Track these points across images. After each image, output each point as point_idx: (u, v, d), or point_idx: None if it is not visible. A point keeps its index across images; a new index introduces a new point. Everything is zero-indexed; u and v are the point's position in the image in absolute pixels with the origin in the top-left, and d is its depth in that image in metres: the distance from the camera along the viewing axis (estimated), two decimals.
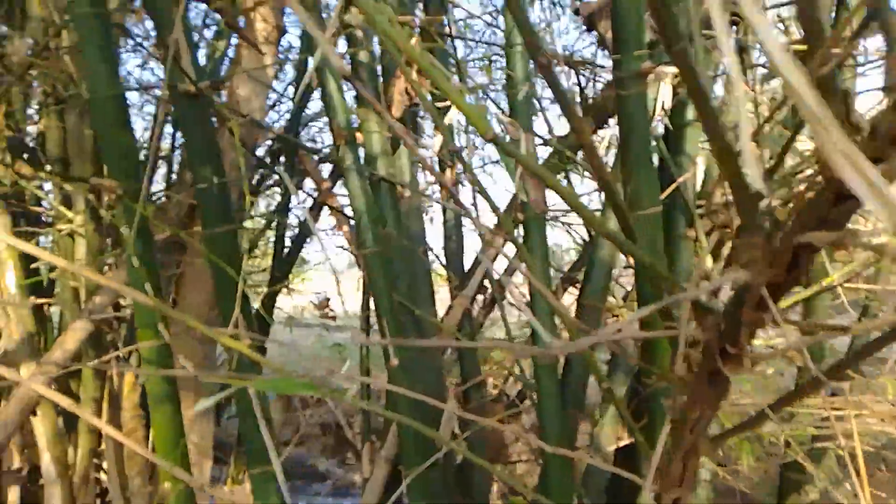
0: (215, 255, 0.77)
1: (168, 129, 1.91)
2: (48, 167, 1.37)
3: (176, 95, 0.76)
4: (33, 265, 1.45)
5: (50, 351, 1.13)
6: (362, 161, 1.02)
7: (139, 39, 1.41)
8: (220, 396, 0.31)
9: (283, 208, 1.88)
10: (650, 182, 0.67)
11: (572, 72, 1.05)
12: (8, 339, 1.29)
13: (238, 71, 1.62)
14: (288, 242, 1.86)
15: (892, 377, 1.05)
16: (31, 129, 1.61)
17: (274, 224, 1.95)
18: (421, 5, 1.28)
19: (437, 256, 1.21)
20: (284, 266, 1.79)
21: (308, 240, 1.85)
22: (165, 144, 1.96)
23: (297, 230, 1.89)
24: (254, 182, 1.88)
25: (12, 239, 1.11)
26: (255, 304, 1.87)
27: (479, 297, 1.28)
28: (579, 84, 1.03)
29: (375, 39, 1.07)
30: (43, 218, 1.58)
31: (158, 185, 1.99)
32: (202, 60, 2.06)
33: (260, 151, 1.84)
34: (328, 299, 1.14)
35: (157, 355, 0.77)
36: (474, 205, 1.18)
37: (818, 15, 0.25)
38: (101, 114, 0.73)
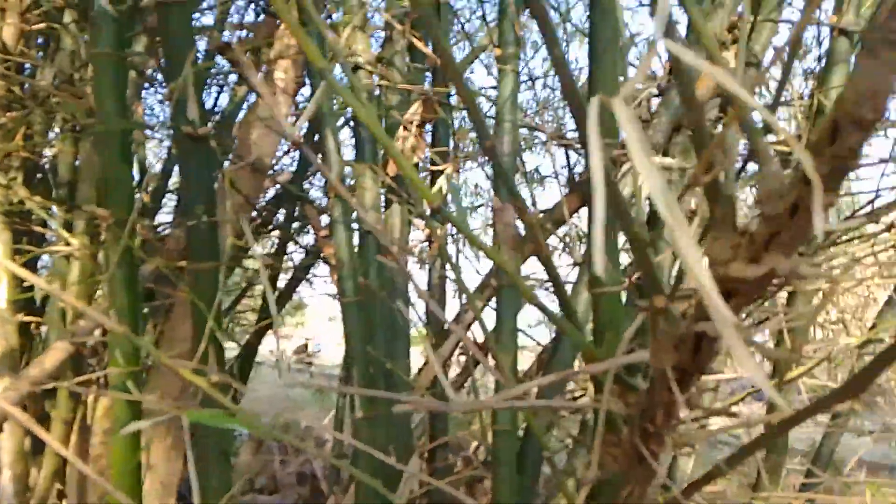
0: (197, 291, 0.80)
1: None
2: (55, 191, 1.42)
3: (178, 136, 0.81)
4: (28, 282, 1.49)
5: (27, 368, 1.14)
6: (353, 215, 1.06)
7: (157, 81, 1.48)
8: (147, 423, 0.33)
9: (280, 252, 1.91)
10: (613, 263, 0.70)
11: (563, 149, 1.10)
12: None
13: (252, 117, 1.69)
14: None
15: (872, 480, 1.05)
16: (49, 152, 1.68)
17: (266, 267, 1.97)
18: (430, 74, 1.34)
19: (418, 314, 1.23)
20: (267, 312, 1.81)
21: (300, 285, 1.88)
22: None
23: (290, 274, 1.92)
24: (253, 224, 1.92)
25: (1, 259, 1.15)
26: (237, 343, 1.88)
27: (462, 359, 1.30)
28: (568, 161, 1.07)
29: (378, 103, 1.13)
30: (48, 238, 1.62)
31: (168, 216, 2.04)
32: (224, 103, 2.15)
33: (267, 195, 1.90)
34: (306, 345, 1.16)
35: (125, 382, 0.78)
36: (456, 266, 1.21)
37: (704, 123, 0.28)
38: (106, 146, 0.77)
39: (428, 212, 1.11)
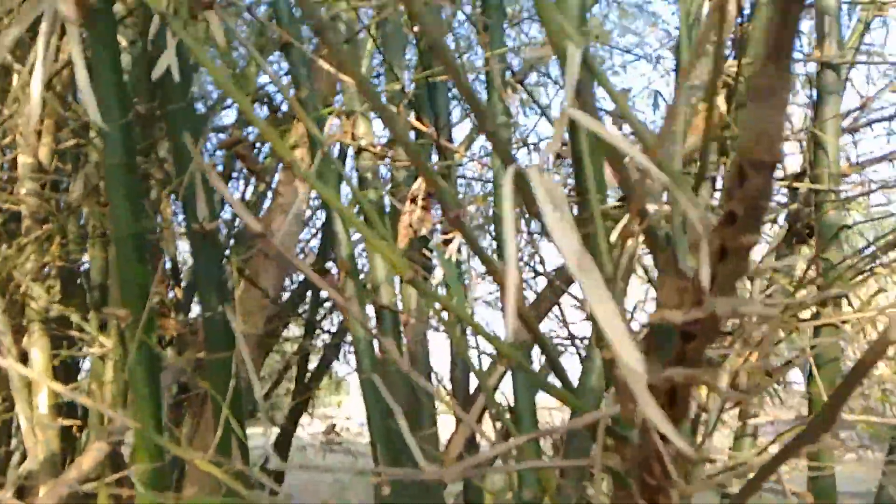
0: (214, 380, 0.82)
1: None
2: (88, 294, 1.48)
3: (189, 233, 0.85)
4: (70, 385, 1.53)
5: (65, 471, 1.17)
6: (368, 289, 1.08)
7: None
8: None
9: (310, 332, 1.94)
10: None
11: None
12: (32, 459, 1.34)
13: (274, 205, 1.76)
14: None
15: None
16: (86, 258, 1.76)
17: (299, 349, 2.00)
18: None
19: (441, 383, 1.23)
20: (305, 389, 1.83)
21: (331, 364, 1.90)
22: None
23: (321, 355, 1.94)
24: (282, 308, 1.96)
25: (35, 373, 1.19)
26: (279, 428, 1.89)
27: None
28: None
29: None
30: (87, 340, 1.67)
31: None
32: (248, 195, 2.25)
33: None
34: (334, 425, 1.16)
35: (151, 478, 0.80)
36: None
37: (630, 178, 0.30)
38: (121, 248, 0.81)
39: (440, 281, 1.13)
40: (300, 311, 2.16)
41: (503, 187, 0.25)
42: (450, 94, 1.67)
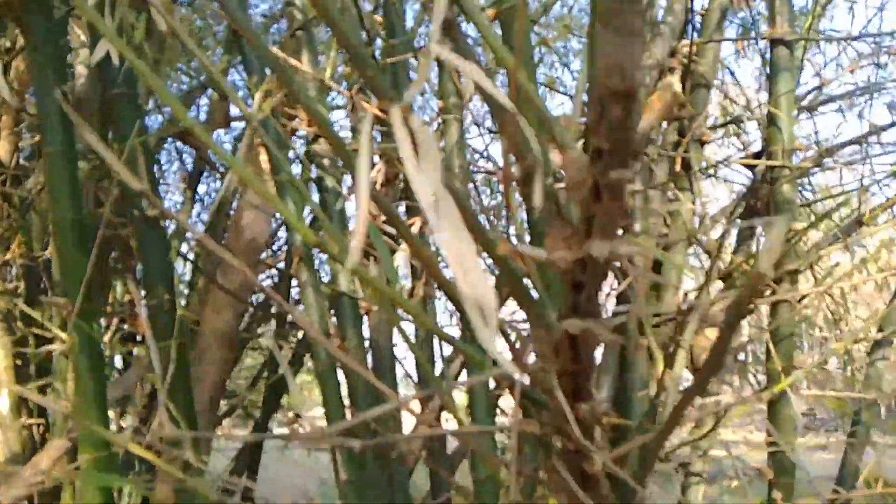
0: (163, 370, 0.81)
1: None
2: (50, 290, 1.46)
3: (135, 220, 0.83)
4: (33, 384, 1.51)
5: (21, 470, 1.14)
6: (326, 278, 1.07)
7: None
8: None
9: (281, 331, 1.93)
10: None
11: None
12: None
13: (243, 202, 1.74)
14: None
15: None
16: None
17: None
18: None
19: (406, 372, 1.22)
20: (276, 390, 1.81)
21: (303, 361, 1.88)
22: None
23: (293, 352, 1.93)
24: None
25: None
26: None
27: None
28: None
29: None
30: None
31: None
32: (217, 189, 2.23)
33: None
34: (298, 415, 1.15)
35: (95, 468, 0.78)
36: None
37: (519, 135, 0.29)
38: (61, 236, 0.80)
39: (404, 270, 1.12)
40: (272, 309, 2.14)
41: (362, 124, 0.24)
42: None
